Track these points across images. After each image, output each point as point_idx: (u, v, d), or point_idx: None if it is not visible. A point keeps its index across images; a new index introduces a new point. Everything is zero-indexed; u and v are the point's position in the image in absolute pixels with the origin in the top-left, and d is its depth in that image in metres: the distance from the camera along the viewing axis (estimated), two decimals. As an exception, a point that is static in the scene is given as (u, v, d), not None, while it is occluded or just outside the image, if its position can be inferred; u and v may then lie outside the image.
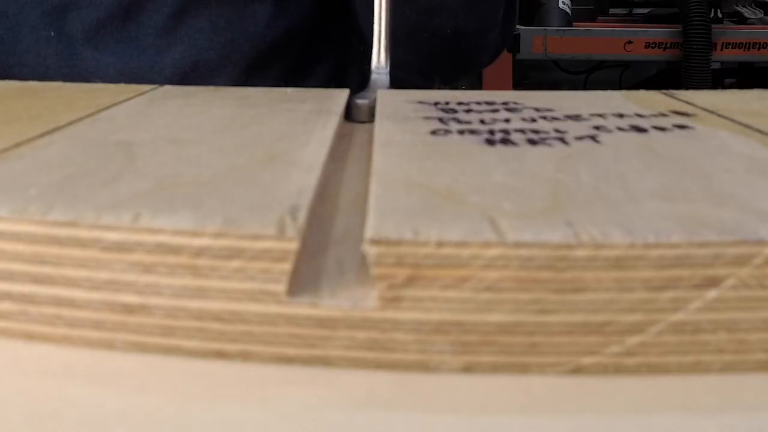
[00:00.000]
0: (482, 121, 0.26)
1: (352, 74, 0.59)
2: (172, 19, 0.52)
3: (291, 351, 0.16)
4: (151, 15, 0.51)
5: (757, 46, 1.55)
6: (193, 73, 0.52)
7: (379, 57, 0.39)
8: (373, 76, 0.39)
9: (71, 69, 0.51)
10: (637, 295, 0.15)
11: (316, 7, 0.57)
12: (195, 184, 0.18)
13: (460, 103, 0.29)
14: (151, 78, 0.51)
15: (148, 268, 0.16)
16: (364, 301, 0.16)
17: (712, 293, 0.15)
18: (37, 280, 0.17)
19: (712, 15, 1.53)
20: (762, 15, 1.69)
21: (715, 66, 1.60)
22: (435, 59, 0.55)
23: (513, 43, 1.48)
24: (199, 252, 0.16)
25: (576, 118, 0.26)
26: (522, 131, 0.24)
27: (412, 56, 0.55)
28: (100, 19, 0.51)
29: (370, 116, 0.30)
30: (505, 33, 0.58)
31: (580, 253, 0.15)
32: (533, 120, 0.26)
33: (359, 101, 0.31)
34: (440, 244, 0.15)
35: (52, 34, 0.51)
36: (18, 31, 0.51)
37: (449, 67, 0.57)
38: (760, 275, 0.15)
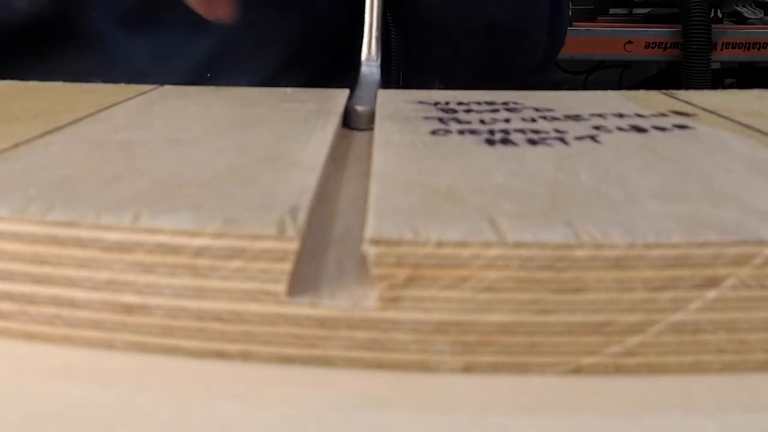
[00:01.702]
0: (482, 121, 0.26)
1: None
2: None
3: (291, 351, 0.16)
4: None
5: (757, 46, 1.55)
6: (220, 66, 0.51)
7: (369, 48, 0.38)
8: (363, 69, 0.37)
9: (100, 53, 0.50)
10: (637, 295, 0.15)
11: (348, 17, 0.56)
12: (195, 184, 0.18)
13: (460, 103, 0.29)
14: (177, 66, 0.50)
15: (148, 268, 0.16)
16: (364, 301, 0.16)
17: (712, 293, 0.15)
18: (37, 280, 0.17)
19: (712, 15, 1.53)
20: (762, 15, 1.69)
21: (715, 66, 1.60)
22: (473, 60, 0.53)
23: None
24: (199, 252, 0.16)
25: (576, 118, 0.26)
26: (522, 131, 0.24)
27: (448, 51, 0.53)
28: (140, 1, 0.50)
29: (370, 124, 0.29)
30: (554, 35, 0.54)
31: (580, 253, 0.15)
32: (533, 120, 0.26)
33: (359, 108, 0.30)
34: (440, 244, 0.15)
35: (93, 15, 0.50)
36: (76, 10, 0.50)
37: (487, 71, 0.54)
38: (760, 275, 0.15)
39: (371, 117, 0.29)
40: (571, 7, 1.56)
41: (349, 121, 0.30)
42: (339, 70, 0.57)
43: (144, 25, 0.51)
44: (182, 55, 0.51)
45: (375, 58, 0.38)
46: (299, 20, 0.53)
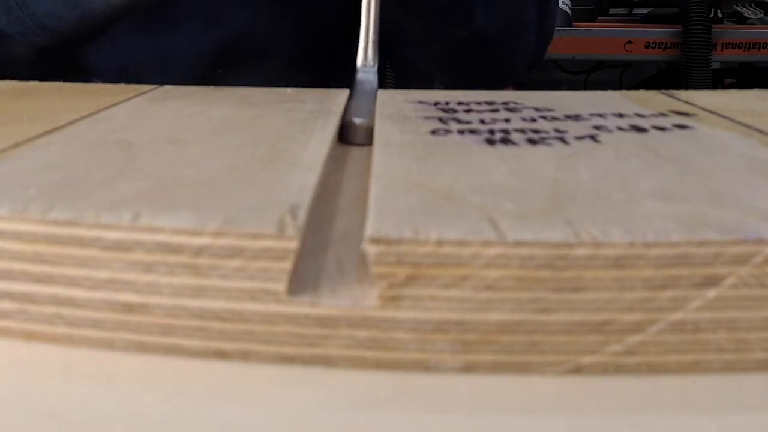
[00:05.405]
0: (482, 121, 0.26)
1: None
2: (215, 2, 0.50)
3: (291, 350, 0.16)
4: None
5: (757, 46, 1.55)
6: (226, 68, 0.51)
7: (366, 54, 0.36)
8: (359, 75, 0.35)
9: (109, 57, 0.50)
10: (636, 294, 0.15)
11: (350, 14, 0.55)
12: (195, 184, 0.18)
13: (460, 103, 0.29)
14: (186, 63, 0.50)
15: (148, 268, 0.16)
16: (364, 300, 0.16)
17: (712, 292, 0.15)
18: (37, 279, 0.17)
19: (712, 15, 1.53)
20: (762, 15, 1.69)
21: (715, 66, 1.60)
22: (460, 70, 0.52)
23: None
24: (199, 251, 0.16)
25: (576, 118, 0.26)
26: (522, 131, 0.24)
27: (435, 66, 0.53)
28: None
29: (368, 139, 0.26)
30: (542, 35, 0.53)
31: (579, 252, 0.15)
32: (533, 120, 0.26)
33: (356, 120, 0.27)
34: (440, 243, 0.15)
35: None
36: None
37: (476, 77, 0.53)
38: (759, 274, 0.15)
39: (369, 132, 0.26)
40: (571, 7, 1.56)
41: (345, 134, 0.27)
42: (348, 69, 0.57)
43: (156, 21, 0.50)
44: (188, 54, 0.50)
45: (372, 63, 0.36)
46: (307, 20, 0.53)
